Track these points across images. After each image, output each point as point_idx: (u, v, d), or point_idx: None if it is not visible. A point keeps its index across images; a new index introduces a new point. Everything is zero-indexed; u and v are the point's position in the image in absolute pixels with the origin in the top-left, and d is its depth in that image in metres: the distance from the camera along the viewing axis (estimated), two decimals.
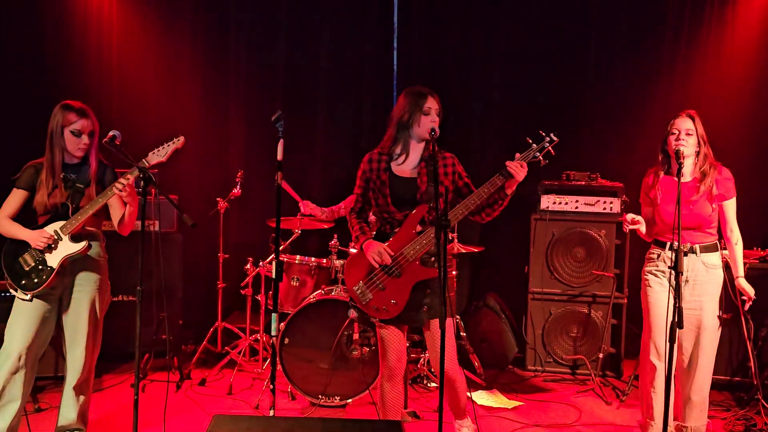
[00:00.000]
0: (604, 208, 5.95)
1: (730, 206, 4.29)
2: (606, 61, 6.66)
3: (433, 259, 3.85)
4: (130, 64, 6.74)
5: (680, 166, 3.93)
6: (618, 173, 6.20)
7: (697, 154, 4.22)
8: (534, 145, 3.77)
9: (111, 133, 3.83)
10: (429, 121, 3.83)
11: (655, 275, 4.31)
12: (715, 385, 5.51)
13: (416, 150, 3.94)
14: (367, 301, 3.89)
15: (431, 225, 3.80)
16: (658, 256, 4.33)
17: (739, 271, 4.35)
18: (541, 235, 6.06)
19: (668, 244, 4.28)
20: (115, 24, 6.70)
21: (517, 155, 3.74)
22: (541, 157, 3.77)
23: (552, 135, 3.76)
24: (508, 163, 3.70)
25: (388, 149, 3.94)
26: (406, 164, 3.93)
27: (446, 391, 4.09)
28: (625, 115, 6.59)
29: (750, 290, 4.34)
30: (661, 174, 4.34)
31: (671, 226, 4.18)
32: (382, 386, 4.06)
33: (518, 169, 3.68)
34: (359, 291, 3.91)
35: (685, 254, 4.19)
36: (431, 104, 3.85)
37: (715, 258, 4.26)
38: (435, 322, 3.88)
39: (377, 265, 3.85)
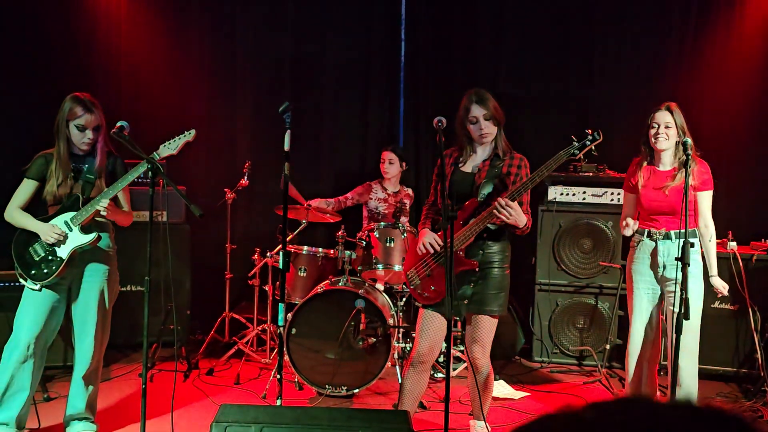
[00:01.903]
0: (612, 200, 5.94)
1: (705, 198, 4.35)
2: (614, 53, 6.63)
3: (481, 252, 3.94)
4: (138, 55, 6.75)
5: (687, 157, 3.95)
6: (625, 165, 6.15)
7: (677, 144, 4.31)
8: (575, 143, 3.82)
9: (119, 124, 3.82)
10: (477, 129, 3.96)
11: (636, 264, 4.43)
12: (722, 377, 5.54)
13: (482, 149, 4.07)
14: (415, 285, 4.06)
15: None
16: (639, 242, 4.44)
17: (713, 269, 4.43)
18: (548, 227, 6.05)
19: (647, 231, 4.39)
20: (123, 15, 6.70)
21: (543, 165, 3.75)
22: (581, 155, 3.83)
23: (595, 134, 3.80)
24: (495, 209, 3.70)
25: (461, 147, 4.08)
26: (471, 161, 4.07)
27: (470, 382, 4.17)
28: (632, 107, 6.53)
29: (723, 288, 4.43)
30: (644, 163, 4.46)
31: (650, 211, 4.38)
32: (406, 372, 4.10)
33: (500, 212, 3.68)
34: (410, 276, 4.10)
35: (662, 240, 4.33)
36: (476, 113, 3.95)
37: (694, 243, 4.29)
38: (476, 317, 3.98)
39: (426, 251, 4.00)
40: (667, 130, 4.27)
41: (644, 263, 4.40)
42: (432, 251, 3.98)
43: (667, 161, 4.38)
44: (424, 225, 4.17)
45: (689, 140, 4.09)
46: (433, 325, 4.01)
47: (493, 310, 3.97)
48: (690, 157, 3.98)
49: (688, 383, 4.35)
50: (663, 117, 4.28)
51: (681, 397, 4.35)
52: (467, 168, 4.05)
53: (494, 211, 3.69)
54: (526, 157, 4.07)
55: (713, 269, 4.42)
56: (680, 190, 4.21)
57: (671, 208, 4.26)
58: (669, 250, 4.29)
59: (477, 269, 3.91)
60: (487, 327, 3.99)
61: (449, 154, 4.13)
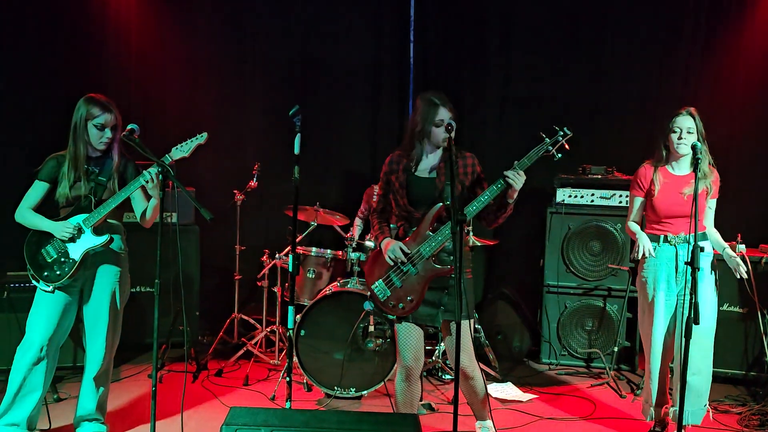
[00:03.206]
0: (620, 202, 5.93)
1: (714, 205, 4.41)
2: (623, 54, 6.61)
3: (451, 258, 3.88)
4: (148, 58, 6.77)
5: (698, 161, 3.94)
6: (634, 167, 6.15)
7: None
8: (547, 139, 3.78)
9: (129, 128, 3.85)
10: (441, 132, 3.86)
11: (656, 273, 4.37)
12: (731, 380, 5.54)
13: (434, 153, 3.99)
14: (385, 298, 3.94)
15: (447, 223, 3.82)
16: (654, 249, 4.39)
17: (723, 244, 4.41)
18: (556, 229, 6.05)
19: (662, 236, 4.37)
20: (133, 17, 6.72)
21: (515, 162, 3.74)
22: (554, 151, 3.78)
23: (565, 129, 3.77)
24: (505, 173, 3.71)
25: (408, 152, 3.98)
26: (425, 165, 3.98)
27: (463, 389, 4.12)
28: (641, 109, 6.55)
29: (736, 258, 4.37)
30: (659, 166, 4.43)
31: (666, 215, 4.36)
32: (397, 384, 4.08)
33: (515, 178, 3.69)
34: (377, 289, 3.97)
35: (681, 244, 4.31)
36: (442, 115, 3.87)
37: (706, 246, 4.32)
38: (453, 325, 3.91)
39: (393, 263, 3.90)
40: (689, 135, 4.24)
41: (662, 269, 4.35)
42: (403, 261, 3.88)
43: (685, 166, 4.37)
44: (382, 234, 4.05)
45: (699, 144, 4.07)
46: (412, 337, 3.98)
47: (467, 314, 3.89)
48: (701, 161, 3.98)
49: (699, 389, 4.35)
50: (685, 122, 4.26)
51: (691, 400, 4.35)
52: (423, 173, 3.96)
53: (512, 180, 3.67)
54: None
55: (723, 243, 4.40)
56: (700, 197, 4.20)
57: (689, 212, 4.22)
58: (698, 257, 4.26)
59: (452, 275, 3.84)
60: (466, 332, 3.93)
61: (395, 161, 4.02)
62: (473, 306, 4.01)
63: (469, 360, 3.96)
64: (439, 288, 3.89)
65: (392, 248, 3.88)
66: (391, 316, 4.01)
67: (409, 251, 3.87)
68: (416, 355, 4.00)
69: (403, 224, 4.01)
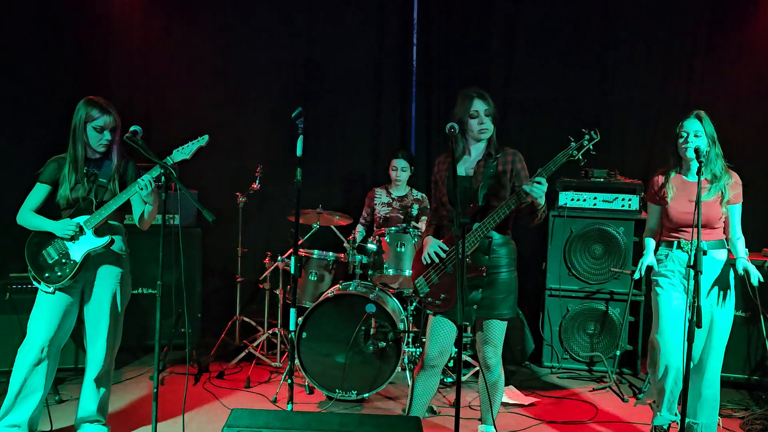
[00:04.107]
0: (623, 206, 5.93)
1: (738, 210, 4.31)
2: (627, 57, 6.60)
3: (487, 257, 3.94)
4: (151, 59, 6.79)
5: (700, 164, 3.91)
6: (637, 170, 6.17)
7: (707, 153, 4.21)
8: (573, 143, 3.78)
9: (132, 129, 3.87)
10: (477, 123, 3.94)
11: (666, 276, 4.31)
12: (733, 384, 5.51)
13: (475, 149, 4.04)
14: (424, 293, 4.04)
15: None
16: (667, 256, 4.34)
17: (741, 252, 4.29)
18: (559, 232, 6.04)
19: (675, 242, 4.30)
20: (137, 19, 6.73)
21: (540, 169, 3.72)
22: (580, 156, 3.77)
23: (592, 132, 3.76)
24: (523, 188, 3.69)
25: (454, 150, 4.02)
26: (466, 163, 4.03)
27: (480, 383, 4.19)
28: (645, 113, 6.54)
29: (753, 270, 4.25)
30: (672, 173, 4.36)
31: (680, 224, 4.27)
32: (418, 375, 4.12)
33: (532, 191, 3.66)
34: (419, 284, 4.08)
35: (693, 251, 4.21)
36: (477, 107, 3.93)
37: (723, 254, 4.28)
38: (487, 321, 4.00)
39: (432, 260, 3.99)
40: (696, 138, 4.16)
41: (676, 276, 4.29)
42: (437, 259, 3.97)
43: (697, 170, 4.21)
44: (428, 233, 4.17)
45: (702, 147, 4.06)
46: (442, 330, 4.03)
47: (503, 313, 3.99)
48: (704, 164, 3.95)
49: (713, 401, 4.34)
50: (692, 125, 4.18)
51: (706, 412, 4.33)
52: (461, 171, 4.01)
53: (529, 191, 3.64)
54: (536, 162, 4.04)
55: (742, 252, 4.28)
56: (713, 204, 4.17)
57: (704, 220, 4.12)
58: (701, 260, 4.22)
59: (484, 274, 3.91)
60: (498, 330, 4.03)
61: (442, 160, 4.13)
62: (515, 304, 4.04)
63: (493, 353, 4.06)
64: (473, 286, 3.93)
65: (429, 247, 4.00)
66: (429, 312, 4.09)
67: (447, 250, 3.94)
68: (442, 350, 4.05)
69: (447, 223, 4.08)
